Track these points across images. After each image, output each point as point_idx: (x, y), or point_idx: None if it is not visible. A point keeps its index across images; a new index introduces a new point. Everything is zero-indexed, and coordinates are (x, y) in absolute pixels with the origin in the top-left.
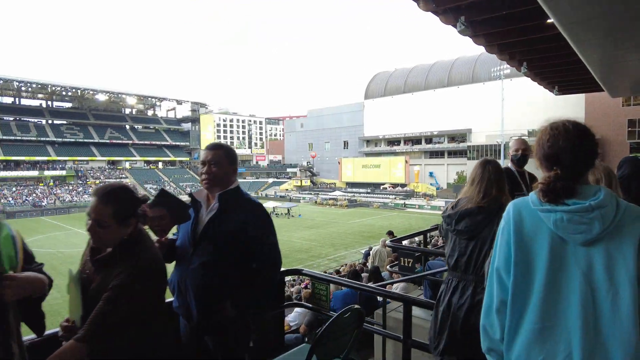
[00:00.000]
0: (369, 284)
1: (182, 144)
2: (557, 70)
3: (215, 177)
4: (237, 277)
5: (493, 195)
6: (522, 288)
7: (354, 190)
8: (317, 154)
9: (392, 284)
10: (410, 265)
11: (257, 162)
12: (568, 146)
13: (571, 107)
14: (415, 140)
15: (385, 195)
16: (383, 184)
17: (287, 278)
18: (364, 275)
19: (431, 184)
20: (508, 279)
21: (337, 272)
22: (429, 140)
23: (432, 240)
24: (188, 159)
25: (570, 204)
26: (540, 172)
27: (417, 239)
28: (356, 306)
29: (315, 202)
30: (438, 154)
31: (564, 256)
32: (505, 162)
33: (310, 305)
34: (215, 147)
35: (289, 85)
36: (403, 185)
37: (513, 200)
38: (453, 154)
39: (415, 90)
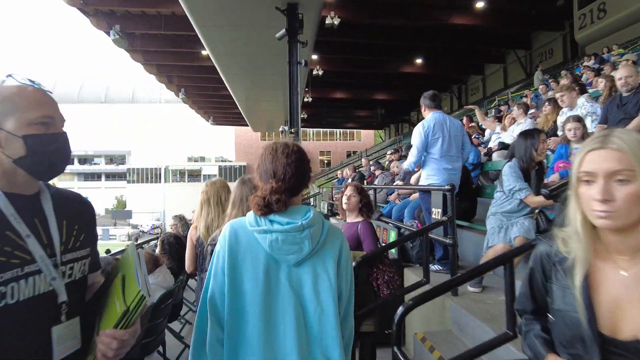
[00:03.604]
0: None
1: None
2: (212, 101)
3: None
4: None
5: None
6: (239, 320)
7: None
8: None
9: None
10: None
11: None
12: (282, 161)
13: (227, 137)
14: None
15: None
16: None
17: None
18: None
19: None
20: (223, 310)
21: None
22: (83, 160)
23: None
24: None
25: (285, 224)
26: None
27: None
28: None
29: None
30: (95, 176)
31: (278, 280)
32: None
33: None
34: None
35: None
36: None
37: (230, 221)
38: (112, 176)
39: (65, 101)
